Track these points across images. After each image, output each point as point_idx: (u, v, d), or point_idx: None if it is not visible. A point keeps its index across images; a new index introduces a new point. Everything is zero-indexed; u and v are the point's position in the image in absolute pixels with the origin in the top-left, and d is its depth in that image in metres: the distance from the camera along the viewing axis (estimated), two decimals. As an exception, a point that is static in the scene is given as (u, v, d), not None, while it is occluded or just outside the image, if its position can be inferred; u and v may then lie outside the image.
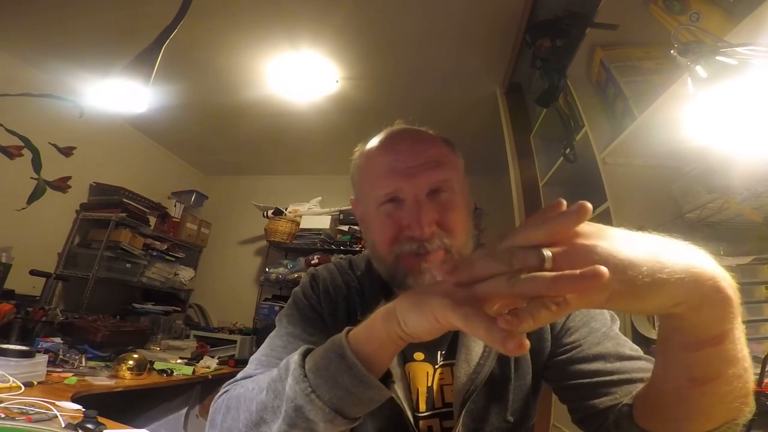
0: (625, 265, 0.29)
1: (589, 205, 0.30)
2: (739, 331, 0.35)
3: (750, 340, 1.01)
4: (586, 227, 0.31)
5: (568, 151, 1.59)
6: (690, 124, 0.99)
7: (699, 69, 0.80)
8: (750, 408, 0.39)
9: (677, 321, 0.34)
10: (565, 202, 0.32)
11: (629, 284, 0.29)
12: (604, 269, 0.26)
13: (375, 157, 0.63)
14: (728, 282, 0.33)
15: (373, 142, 0.65)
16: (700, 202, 1.04)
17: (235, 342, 2.75)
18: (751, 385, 0.38)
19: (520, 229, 0.32)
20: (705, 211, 0.99)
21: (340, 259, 0.78)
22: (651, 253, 0.30)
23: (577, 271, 0.27)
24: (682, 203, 1.16)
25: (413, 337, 0.40)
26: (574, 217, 0.30)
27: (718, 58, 0.77)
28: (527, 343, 0.28)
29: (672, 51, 0.84)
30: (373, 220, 0.62)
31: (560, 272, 0.28)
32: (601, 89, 1.44)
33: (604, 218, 1.30)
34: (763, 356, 0.76)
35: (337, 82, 2.39)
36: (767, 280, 1.01)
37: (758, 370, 0.75)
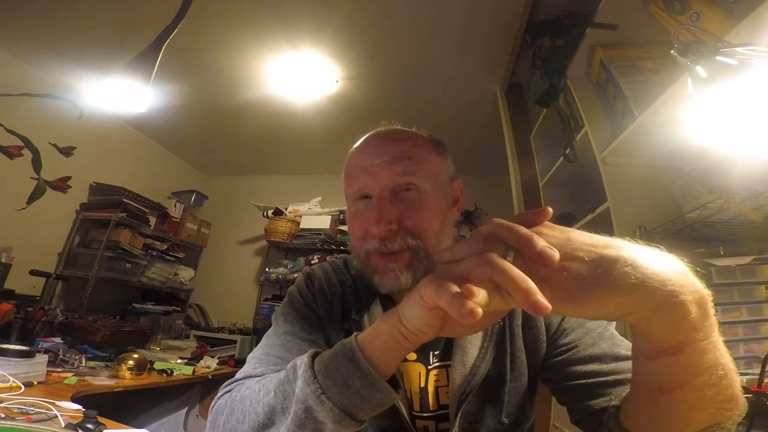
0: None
1: (550, 209, 0.35)
2: (708, 342, 0.34)
3: (750, 340, 1.01)
4: (551, 235, 0.33)
5: (568, 151, 1.59)
6: (690, 124, 0.99)
7: (699, 69, 0.80)
8: (739, 412, 0.38)
9: (634, 329, 0.35)
10: (551, 210, 0.35)
11: (567, 294, 0.31)
12: (545, 306, 0.29)
13: (350, 157, 0.65)
14: (691, 296, 0.32)
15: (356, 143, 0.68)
16: (700, 202, 1.04)
17: (235, 342, 2.76)
18: (735, 390, 0.37)
19: (500, 221, 0.35)
20: (705, 211, 0.99)
21: (336, 257, 0.77)
22: (593, 271, 0.32)
23: (531, 292, 0.29)
24: (682, 203, 1.16)
25: (413, 331, 0.40)
26: (534, 216, 0.35)
27: (718, 58, 0.77)
28: (479, 311, 0.30)
29: (672, 51, 0.84)
30: (348, 217, 0.64)
31: (523, 280, 0.30)
32: (601, 89, 1.44)
33: (604, 218, 1.30)
34: (763, 356, 0.76)
35: (337, 82, 2.39)
36: (767, 280, 1.01)
37: (758, 371, 0.74)
